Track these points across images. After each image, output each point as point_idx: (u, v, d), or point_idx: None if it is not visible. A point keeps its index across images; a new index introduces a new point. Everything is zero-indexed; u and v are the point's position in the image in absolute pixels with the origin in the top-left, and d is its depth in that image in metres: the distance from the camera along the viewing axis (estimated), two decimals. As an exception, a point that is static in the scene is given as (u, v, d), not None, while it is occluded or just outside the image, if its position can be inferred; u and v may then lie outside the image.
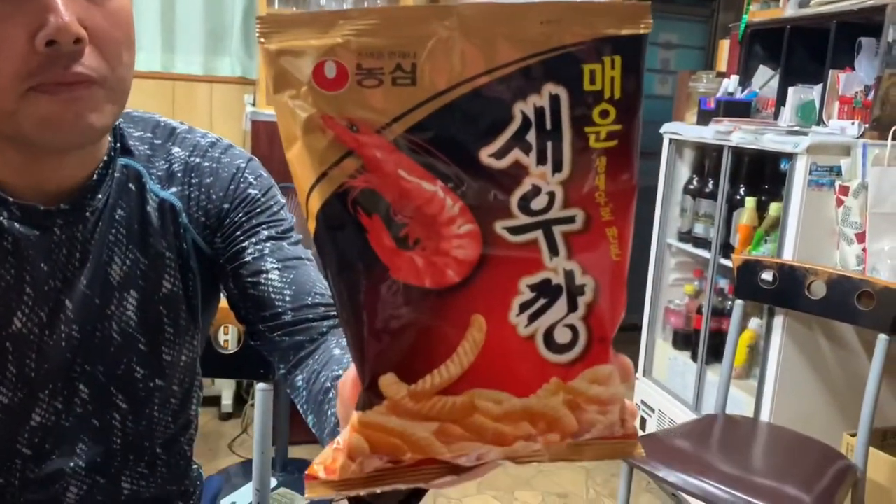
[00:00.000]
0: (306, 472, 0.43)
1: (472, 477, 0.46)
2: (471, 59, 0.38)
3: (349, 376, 0.44)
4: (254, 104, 2.98)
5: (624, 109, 0.39)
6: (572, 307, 0.42)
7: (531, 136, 0.39)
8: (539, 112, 0.39)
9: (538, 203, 0.40)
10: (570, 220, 0.41)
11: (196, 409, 0.99)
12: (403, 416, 0.41)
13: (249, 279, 0.86)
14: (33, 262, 0.80)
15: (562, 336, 0.42)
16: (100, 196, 0.82)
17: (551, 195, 0.40)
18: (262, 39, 0.37)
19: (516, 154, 0.39)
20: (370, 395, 0.41)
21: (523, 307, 0.41)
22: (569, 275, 0.41)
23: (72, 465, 0.86)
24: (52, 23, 0.66)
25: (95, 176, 0.81)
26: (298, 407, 0.80)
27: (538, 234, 0.40)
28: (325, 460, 0.43)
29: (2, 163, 0.77)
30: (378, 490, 0.43)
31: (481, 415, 0.42)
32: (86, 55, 0.69)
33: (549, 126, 0.39)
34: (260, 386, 1.33)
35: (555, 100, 0.39)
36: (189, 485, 1.00)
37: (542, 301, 0.41)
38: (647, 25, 0.39)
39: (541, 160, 0.39)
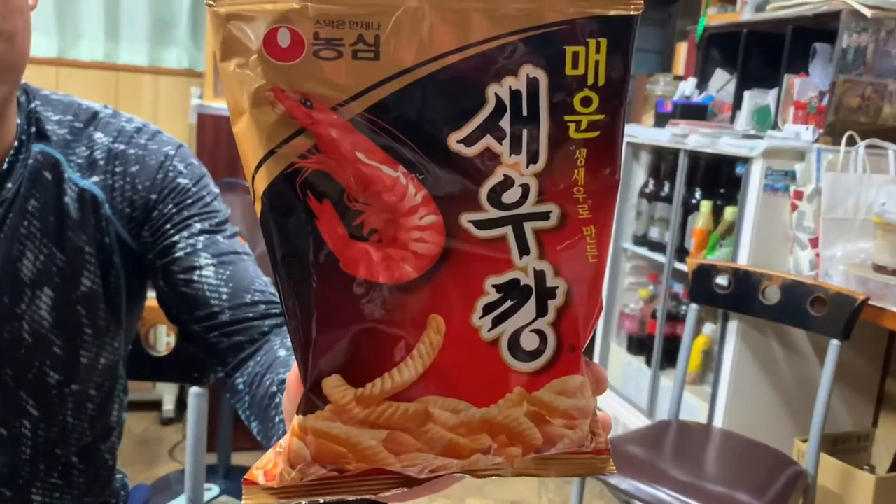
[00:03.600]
0: (245, 477, 0.39)
1: (427, 491, 0.42)
2: (441, 35, 0.34)
3: (295, 373, 0.40)
4: (201, 97, 2.89)
5: (608, 98, 0.36)
6: (542, 311, 0.38)
7: (505, 122, 0.35)
8: (515, 96, 0.35)
9: (510, 196, 0.36)
10: (545, 216, 0.37)
11: (119, 414, 0.93)
12: (349, 423, 0.37)
13: (182, 276, 0.81)
14: None
15: (529, 342, 0.38)
16: (10, 185, 0.76)
17: (524, 188, 0.36)
18: (211, 2, 0.33)
19: (488, 141, 0.35)
20: (313, 398, 0.37)
21: (487, 309, 0.37)
22: (539, 276, 0.38)
23: None
24: None
25: (5, 163, 0.75)
26: (240, 412, 0.75)
27: (508, 230, 0.37)
28: (266, 465, 0.39)
29: None
30: (321, 500, 0.39)
31: (436, 424, 0.38)
32: None
33: (525, 112, 0.35)
34: (194, 390, 1.26)
35: (533, 83, 0.35)
36: (110, 495, 0.94)
37: (508, 303, 0.38)
38: (638, 7, 0.35)
39: (515, 149, 0.35)
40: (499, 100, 0.35)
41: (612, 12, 0.35)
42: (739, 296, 1.99)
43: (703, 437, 2.07)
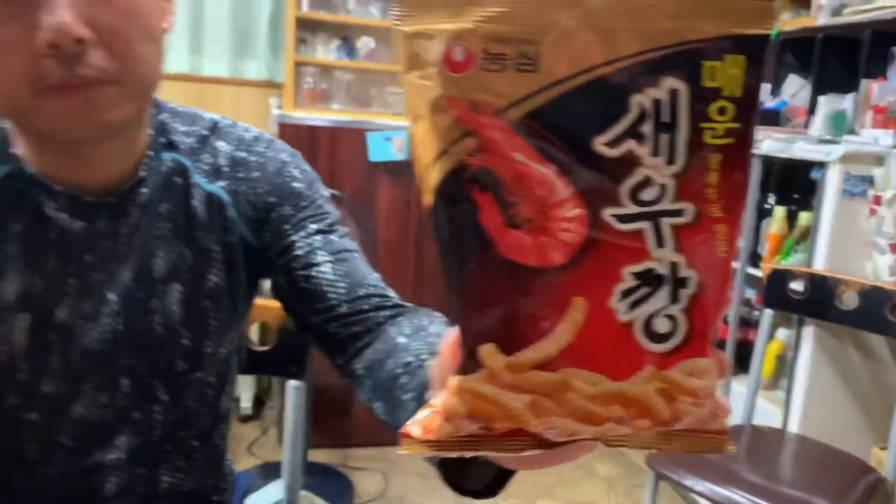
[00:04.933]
0: (401, 430, 0.44)
1: (560, 457, 0.47)
2: (592, 50, 0.38)
3: (449, 343, 0.45)
4: (280, 107, 2.99)
5: (742, 108, 0.40)
6: (674, 298, 0.42)
7: (647, 128, 0.39)
8: (657, 105, 0.39)
9: (649, 194, 0.40)
10: (680, 213, 0.41)
11: (228, 402, 0.99)
12: (499, 386, 0.42)
13: (301, 272, 0.87)
14: (77, 254, 0.80)
15: (661, 326, 0.42)
16: (144, 190, 0.83)
17: (663, 187, 0.40)
18: (399, 22, 0.38)
19: (630, 144, 0.39)
20: (469, 363, 0.42)
21: (625, 294, 0.42)
22: (673, 266, 0.42)
23: (112, 456, 0.86)
24: (50, 25, 0.66)
25: (139, 170, 0.82)
26: (361, 394, 0.81)
27: (646, 225, 0.41)
28: (423, 421, 0.44)
29: (47, 156, 0.78)
30: (469, 454, 0.44)
31: (575, 393, 0.42)
32: (92, 54, 0.69)
33: (665, 119, 0.39)
34: (292, 383, 1.33)
35: (673, 94, 0.39)
36: (221, 480, 1.00)
37: (644, 290, 0.42)
38: (773, 26, 0.39)
39: (655, 152, 0.40)
40: (642, 108, 0.39)
41: (751, 31, 0.39)
42: (815, 301, 1.99)
43: (778, 442, 2.06)
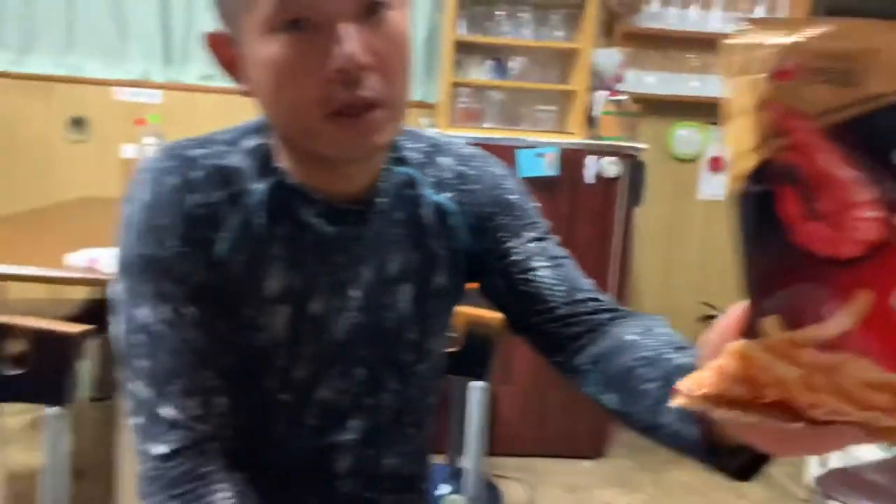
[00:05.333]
0: (674, 386, 0.50)
1: (820, 442, 0.51)
2: None
3: (733, 315, 0.51)
4: (432, 126, 3.10)
5: None
6: None
7: None
8: None
9: None
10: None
11: (436, 397, 1.07)
12: (777, 355, 0.46)
13: (520, 276, 0.94)
14: (330, 255, 0.90)
15: None
16: (381, 200, 0.92)
17: None
18: (739, 35, 0.45)
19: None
20: (753, 332, 0.47)
21: None
22: None
23: (346, 438, 0.95)
24: (342, 54, 0.76)
25: (378, 182, 0.92)
26: (587, 387, 0.87)
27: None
28: (696, 378, 0.49)
29: (308, 170, 0.88)
30: (734, 415, 0.48)
31: (846, 375, 0.46)
32: (370, 79, 0.78)
33: None
34: (477, 384, 1.40)
35: None
36: (427, 468, 1.08)
37: None
38: None
39: None
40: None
41: None
42: None
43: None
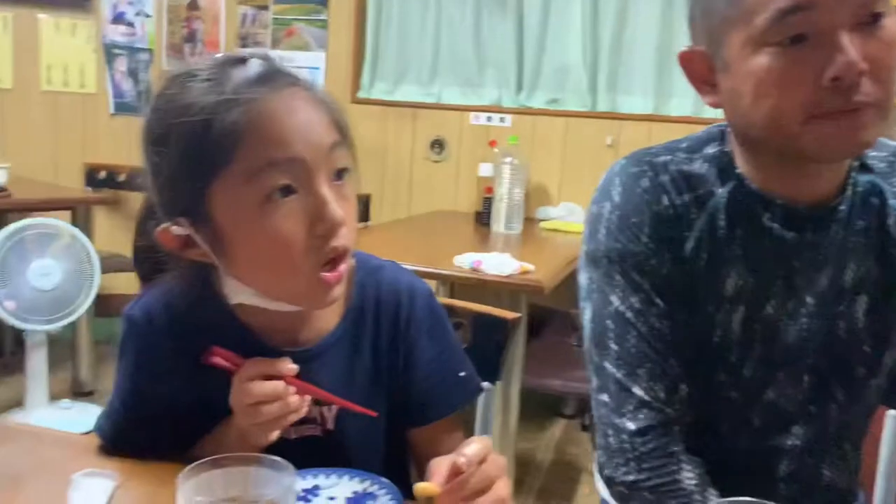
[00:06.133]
0: None
1: None
2: None
3: None
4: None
5: None
6: None
7: None
8: None
9: None
10: None
11: (872, 416, 1.02)
12: None
13: None
14: (786, 259, 0.91)
15: None
16: (842, 207, 0.90)
17: None
18: None
19: None
20: None
21: None
22: None
23: (789, 443, 0.95)
24: (840, 62, 0.77)
25: (840, 189, 0.90)
26: None
27: None
28: None
29: (770, 175, 0.89)
30: None
31: None
32: (865, 83, 0.78)
33: None
34: (892, 413, 1.30)
35: None
36: (855, 488, 1.04)
37: None
38: None
39: None
40: None
41: None
42: None
43: None
